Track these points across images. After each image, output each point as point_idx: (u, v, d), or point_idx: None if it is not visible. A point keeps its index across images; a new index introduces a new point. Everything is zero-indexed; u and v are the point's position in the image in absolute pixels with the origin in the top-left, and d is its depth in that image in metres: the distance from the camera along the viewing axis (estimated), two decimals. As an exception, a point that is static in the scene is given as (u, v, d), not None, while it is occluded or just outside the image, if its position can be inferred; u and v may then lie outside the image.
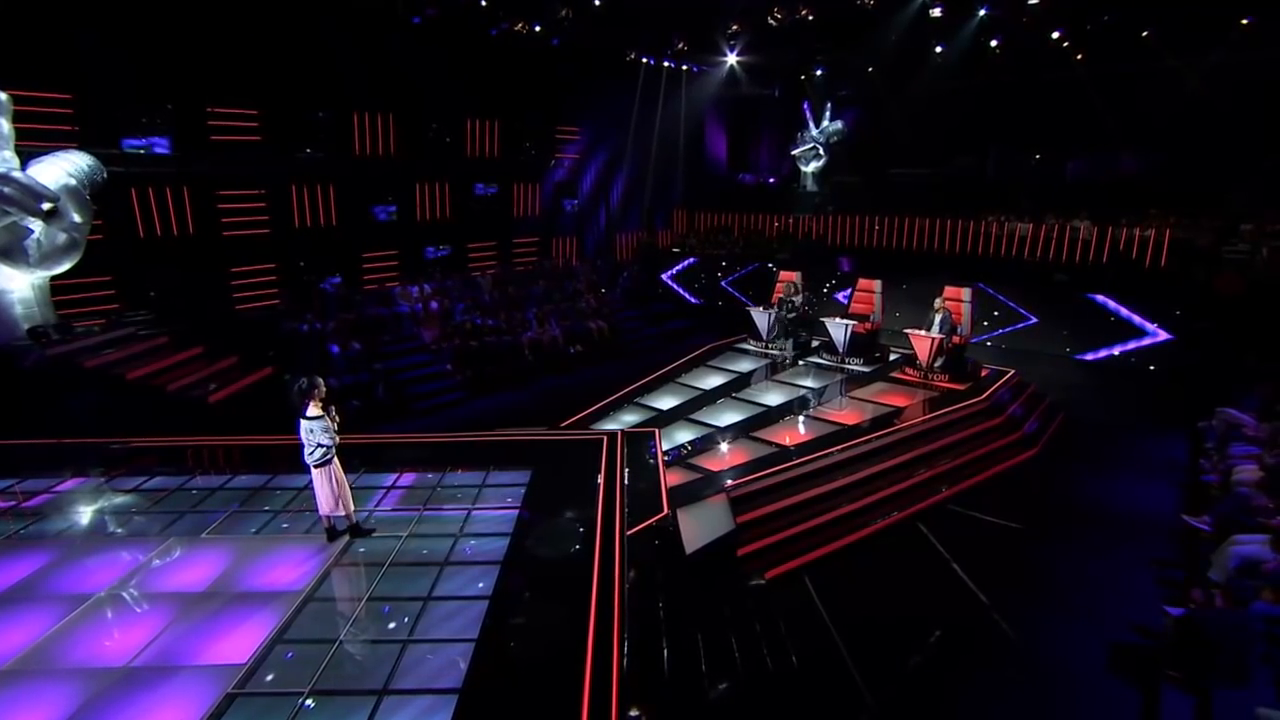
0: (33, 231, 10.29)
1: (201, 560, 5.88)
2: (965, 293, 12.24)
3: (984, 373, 12.01)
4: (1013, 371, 12.18)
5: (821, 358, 13.18)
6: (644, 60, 21.92)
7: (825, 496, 8.44)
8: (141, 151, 13.55)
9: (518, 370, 15.02)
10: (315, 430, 5.74)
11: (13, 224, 10.07)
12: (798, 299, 14.11)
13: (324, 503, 5.96)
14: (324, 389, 5.86)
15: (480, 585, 5.42)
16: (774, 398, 11.13)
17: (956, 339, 11.93)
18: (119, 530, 6.50)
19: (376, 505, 6.86)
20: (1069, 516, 8.91)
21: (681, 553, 6.75)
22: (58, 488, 7.41)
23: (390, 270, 17.70)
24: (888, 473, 9.08)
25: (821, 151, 22.43)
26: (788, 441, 9.22)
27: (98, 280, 13.15)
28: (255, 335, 13.23)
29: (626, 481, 7.22)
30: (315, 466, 5.81)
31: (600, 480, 7.14)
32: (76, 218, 10.53)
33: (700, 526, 7.26)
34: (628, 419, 10.31)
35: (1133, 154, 19.98)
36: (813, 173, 22.89)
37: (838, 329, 12.86)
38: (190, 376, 10.82)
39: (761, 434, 9.53)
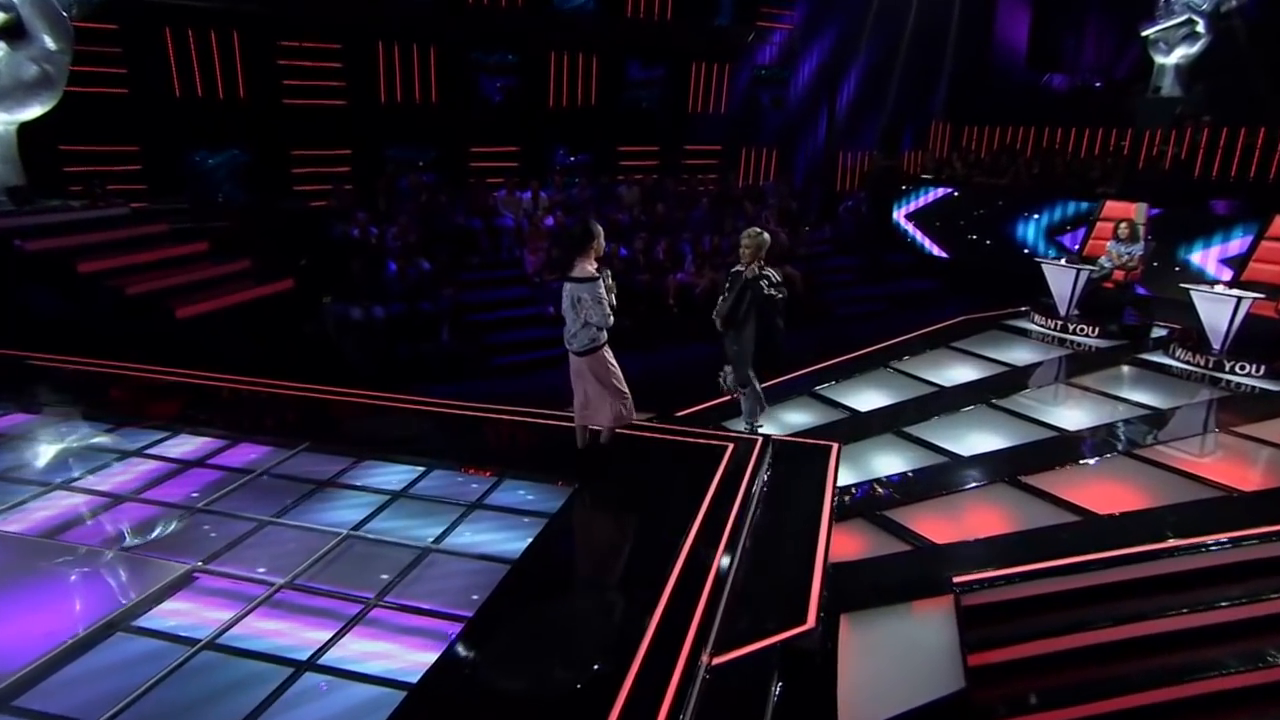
0: (-9, 59, 9.69)
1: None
2: None
3: None
4: None
5: (1173, 356, 9.68)
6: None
7: (1183, 638, 5.11)
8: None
9: (655, 325, 13.02)
10: (584, 299, 5.01)
11: (-38, 47, 9.48)
12: (1135, 249, 10.40)
13: (580, 409, 5.29)
14: (603, 243, 5.23)
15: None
16: (1071, 416, 8.18)
17: None
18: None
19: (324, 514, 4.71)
20: None
21: (832, 724, 3.85)
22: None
23: (507, 174, 16.16)
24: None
25: (1201, 28, 17.87)
26: (1097, 506, 6.07)
27: (122, 150, 12.93)
28: (289, 235, 12.22)
29: (748, 540, 4.43)
30: (577, 354, 5.17)
31: (693, 527, 4.38)
32: (51, 44, 9.97)
33: (887, 664, 4.34)
34: (794, 419, 8.19)
35: None
36: (1176, 65, 18.41)
37: (1216, 307, 9.14)
38: (171, 279, 9.69)
39: (1040, 482, 6.53)
